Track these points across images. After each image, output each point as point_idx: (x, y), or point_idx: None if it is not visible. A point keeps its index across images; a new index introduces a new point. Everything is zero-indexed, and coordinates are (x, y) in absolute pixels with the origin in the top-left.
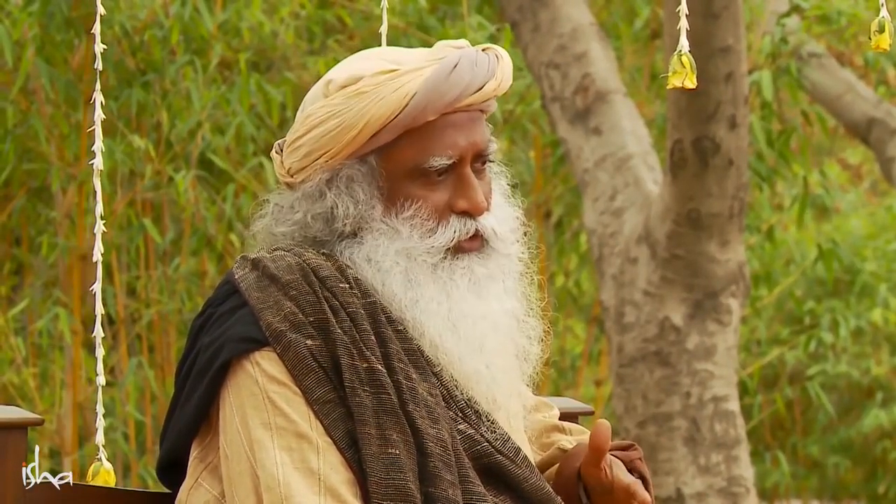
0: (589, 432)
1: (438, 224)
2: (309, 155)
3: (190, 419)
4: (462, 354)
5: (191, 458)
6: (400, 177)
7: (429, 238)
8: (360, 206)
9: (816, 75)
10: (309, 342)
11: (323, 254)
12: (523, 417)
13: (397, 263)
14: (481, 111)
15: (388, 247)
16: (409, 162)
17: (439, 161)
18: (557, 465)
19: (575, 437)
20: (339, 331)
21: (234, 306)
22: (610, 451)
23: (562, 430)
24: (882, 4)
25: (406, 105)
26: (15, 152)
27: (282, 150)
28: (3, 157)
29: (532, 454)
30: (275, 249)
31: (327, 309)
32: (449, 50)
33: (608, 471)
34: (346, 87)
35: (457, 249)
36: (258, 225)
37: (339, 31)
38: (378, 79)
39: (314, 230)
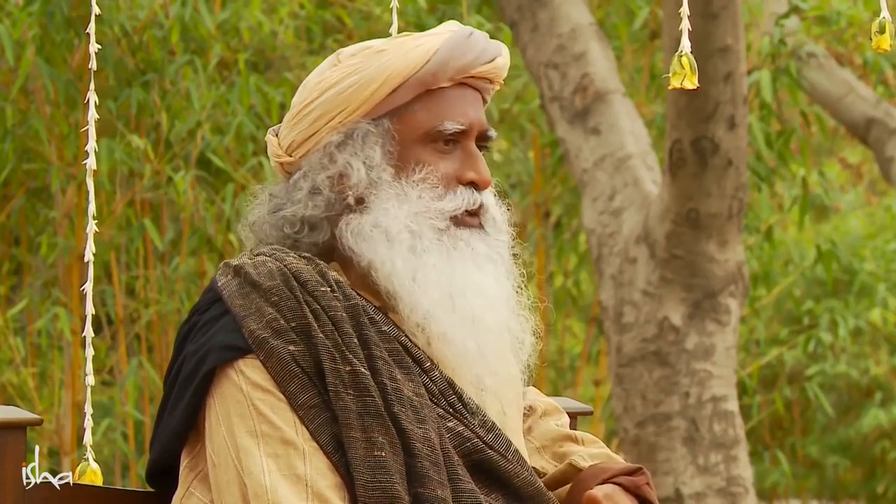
0: (599, 442)
1: (447, 191)
2: (321, 118)
3: (177, 427)
4: (451, 331)
5: (181, 467)
6: (412, 140)
7: (438, 202)
8: (371, 170)
9: (815, 76)
10: (291, 348)
11: (303, 257)
12: (520, 409)
13: (406, 228)
14: (483, 98)
15: (397, 210)
16: (423, 125)
17: (452, 126)
18: (570, 485)
19: (587, 450)
20: (322, 335)
21: (217, 314)
22: (617, 475)
23: (574, 440)
24: (883, 5)
25: (428, 61)
26: (14, 152)
27: (276, 134)
28: (2, 156)
29: (525, 448)
30: (257, 254)
31: (309, 314)
32: (458, 24)
33: None
34: (357, 53)
35: (459, 221)
36: (252, 216)
37: (339, 31)
38: (397, 40)
39: (317, 205)
